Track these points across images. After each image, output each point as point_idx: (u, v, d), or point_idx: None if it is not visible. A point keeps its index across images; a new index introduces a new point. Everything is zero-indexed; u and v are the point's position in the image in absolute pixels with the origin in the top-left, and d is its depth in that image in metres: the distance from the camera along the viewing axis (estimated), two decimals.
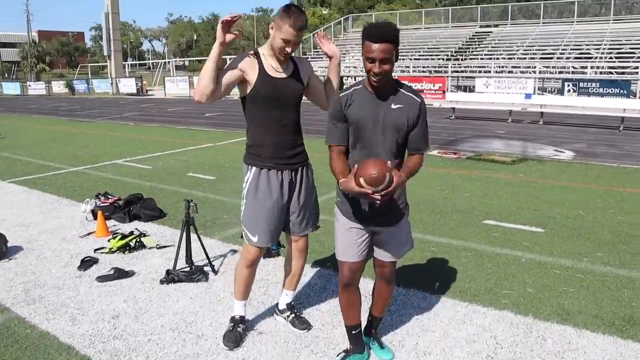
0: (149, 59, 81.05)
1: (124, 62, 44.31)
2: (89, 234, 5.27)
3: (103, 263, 4.46)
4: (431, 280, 4.01)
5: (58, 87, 39.24)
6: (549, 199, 6.42)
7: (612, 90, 17.04)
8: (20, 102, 30.77)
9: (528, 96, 16.27)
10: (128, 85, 33.82)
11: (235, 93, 3.01)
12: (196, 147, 10.77)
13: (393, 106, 2.50)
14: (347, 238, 2.68)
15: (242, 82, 2.88)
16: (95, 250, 4.76)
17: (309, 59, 32.58)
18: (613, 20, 28.01)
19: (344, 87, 2.66)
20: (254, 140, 2.97)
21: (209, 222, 5.55)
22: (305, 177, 3.07)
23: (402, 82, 2.65)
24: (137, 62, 70.98)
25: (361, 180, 2.31)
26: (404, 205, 2.71)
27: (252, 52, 2.91)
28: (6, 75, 66.72)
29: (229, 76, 2.83)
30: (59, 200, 6.69)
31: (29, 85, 41.69)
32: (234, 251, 4.71)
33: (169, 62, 47.10)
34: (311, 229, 3.17)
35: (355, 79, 22.37)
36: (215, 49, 2.75)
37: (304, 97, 3.05)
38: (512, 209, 5.96)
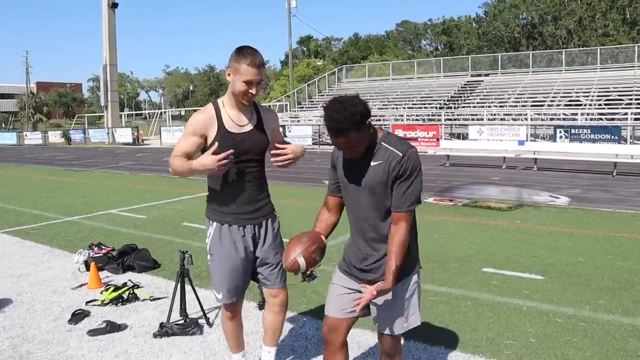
0: (145, 109, 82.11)
1: (120, 112, 44.84)
2: (81, 285, 5.16)
3: (95, 316, 4.35)
4: (431, 330, 3.91)
5: (54, 136, 39.51)
6: (547, 245, 6.38)
7: (603, 136, 17.28)
8: (17, 152, 30.87)
9: (521, 143, 16.49)
10: (124, 135, 34.08)
11: None
12: (192, 196, 10.74)
13: (372, 163, 2.31)
14: (331, 290, 2.57)
15: (203, 144, 2.78)
16: (87, 302, 4.65)
17: (304, 109, 33.28)
18: (600, 68, 28.75)
19: None
20: (213, 194, 2.87)
21: (204, 273, 5.45)
22: (270, 229, 2.94)
23: (391, 133, 2.41)
24: (134, 112, 71.83)
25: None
26: (405, 268, 2.36)
27: (210, 105, 2.80)
28: (3, 126, 67.31)
29: (191, 146, 2.74)
30: (52, 251, 6.60)
31: (26, 135, 41.98)
32: None
33: (165, 112, 47.70)
34: (285, 281, 3.01)
35: None
36: (194, 168, 2.67)
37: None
38: (511, 256, 5.91)
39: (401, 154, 2.28)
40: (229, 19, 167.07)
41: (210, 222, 2.88)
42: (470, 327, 3.95)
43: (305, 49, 78.46)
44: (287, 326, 4.00)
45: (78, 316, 4.27)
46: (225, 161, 2.59)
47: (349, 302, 2.44)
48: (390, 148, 2.31)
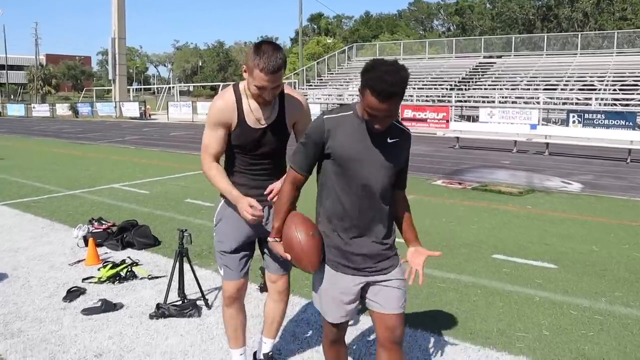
0: (154, 84, 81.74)
1: (128, 87, 44.59)
2: (79, 261, 5.03)
3: (90, 294, 4.21)
4: (440, 319, 3.74)
5: (62, 109, 39.40)
6: (560, 232, 6.17)
7: (617, 122, 16.91)
8: (24, 124, 30.80)
9: (533, 126, 16.16)
10: (131, 109, 33.90)
11: None
12: (196, 173, 10.57)
13: (389, 140, 2.16)
14: (330, 294, 2.26)
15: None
16: (84, 279, 4.51)
17: (313, 87, 32.87)
18: (616, 52, 28.12)
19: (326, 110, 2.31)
20: (228, 174, 2.71)
21: (205, 252, 5.30)
22: None
23: None
24: (142, 87, 71.53)
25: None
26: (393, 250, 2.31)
27: (231, 90, 2.59)
28: (12, 97, 67.17)
29: (219, 141, 2.60)
30: (52, 225, 6.46)
31: (34, 107, 41.86)
32: None
33: (173, 87, 47.39)
34: (289, 269, 2.82)
35: None
36: (232, 199, 2.58)
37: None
38: (522, 243, 5.71)
39: (409, 133, 2.28)
40: None
41: (220, 198, 2.74)
42: (480, 317, 3.77)
43: (315, 26, 77.60)
44: (288, 310, 3.84)
45: (73, 294, 4.13)
46: (254, 218, 2.51)
47: (349, 308, 2.28)
48: (400, 126, 2.25)
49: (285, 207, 2.29)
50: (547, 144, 14.60)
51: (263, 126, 2.58)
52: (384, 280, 2.24)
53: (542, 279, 4.59)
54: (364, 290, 2.27)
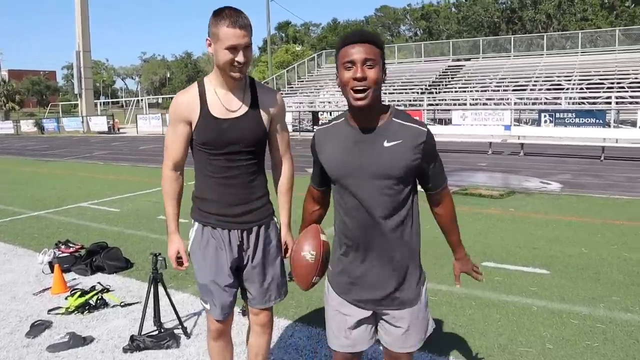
0: (122, 97, 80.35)
1: (96, 101, 43.60)
2: (45, 290, 4.65)
3: (57, 327, 3.86)
4: (437, 336, 3.51)
5: (27, 126, 38.23)
6: (546, 235, 6.04)
7: (588, 120, 17.09)
8: None
9: (507, 127, 16.21)
10: (99, 124, 33.08)
11: None
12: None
13: (386, 144, 1.83)
14: (336, 320, 2.03)
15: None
16: (50, 310, 4.15)
17: (283, 95, 32.58)
18: (581, 52, 28.68)
19: (320, 122, 2.12)
20: (198, 190, 2.41)
21: (181, 273, 4.97)
22: (263, 238, 2.42)
23: (397, 108, 1.94)
24: (110, 100, 70.21)
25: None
26: (420, 272, 2.04)
27: (194, 84, 2.33)
28: None
29: (181, 141, 2.32)
30: (14, 250, 6.05)
31: None
32: None
33: (142, 100, 46.57)
34: (274, 301, 2.51)
35: (331, 115, 22.16)
36: (168, 231, 2.46)
37: None
38: (511, 248, 5.55)
39: (426, 129, 1.89)
40: (207, 4, 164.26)
41: (193, 222, 2.43)
42: (478, 332, 3.56)
43: (283, 34, 77.52)
44: (274, 335, 3.57)
45: (37, 328, 3.78)
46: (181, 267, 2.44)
47: (363, 336, 2.02)
48: (409, 124, 1.88)
49: (307, 220, 2.22)
50: (522, 144, 14.64)
51: (233, 116, 2.26)
52: (394, 318, 1.98)
53: (536, 286, 4.42)
54: (375, 319, 2.03)
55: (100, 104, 48.75)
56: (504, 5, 55.83)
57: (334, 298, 2.03)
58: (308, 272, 2.05)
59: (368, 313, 1.98)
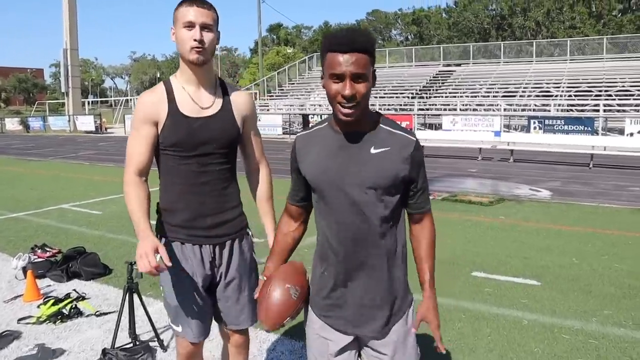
0: (111, 97, 79.64)
1: (84, 100, 43.10)
2: (16, 297, 4.45)
3: (26, 338, 3.67)
4: (424, 351, 3.37)
5: (12, 124, 37.61)
6: (537, 244, 5.93)
7: (576, 127, 17.12)
8: None
9: (497, 134, 16.18)
10: (86, 123, 32.63)
11: None
12: (154, 189, 9.98)
13: (373, 150, 1.68)
14: (318, 347, 1.85)
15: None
16: (19, 320, 3.95)
17: (274, 97, 32.47)
18: (569, 60, 28.84)
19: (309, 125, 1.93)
20: (163, 202, 2.18)
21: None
22: (237, 253, 2.23)
23: (387, 117, 1.79)
24: (99, 100, 69.56)
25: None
26: (407, 297, 1.87)
27: (161, 83, 2.15)
28: None
29: (145, 145, 2.09)
30: None
31: None
32: None
33: (130, 99, 46.15)
34: (250, 321, 2.30)
35: (321, 118, 22.05)
36: (137, 234, 1.99)
37: None
38: (501, 257, 5.44)
39: (414, 139, 1.73)
40: None
41: (160, 237, 2.16)
42: (468, 348, 3.43)
43: (275, 37, 77.31)
44: (254, 347, 3.41)
45: (5, 339, 3.58)
46: (154, 271, 1.87)
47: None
48: (398, 132, 1.72)
49: (281, 243, 1.96)
50: (512, 150, 14.61)
51: (205, 115, 2.10)
52: (378, 344, 1.82)
53: (527, 298, 4.30)
54: (358, 343, 1.86)
55: (89, 103, 48.22)
56: (494, 12, 56.18)
57: (314, 321, 1.86)
58: (286, 310, 1.79)
59: (351, 338, 1.82)
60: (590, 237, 6.26)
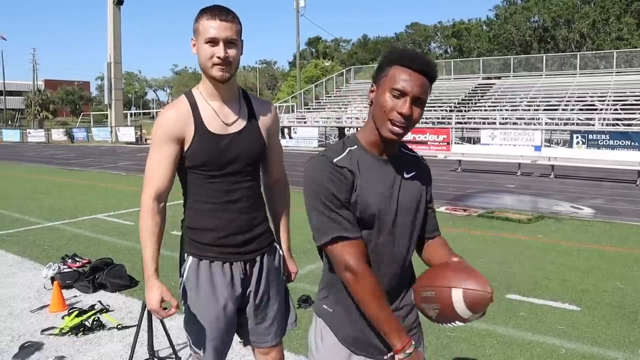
0: (153, 109, 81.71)
1: (126, 111, 44.32)
2: (43, 307, 4.48)
3: (48, 349, 3.66)
4: None
5: (58, 134, 38.99)
6: (578, 266, 5.62)
7: (622, 143, 16.42)
8: (18, 150, 30.33)
9: (537, 148, 15.71)
10: (127, 134, 33.49)
11: None
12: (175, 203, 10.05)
13: (406, 175, 1.64)
14: None
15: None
16: (43, 331, 3.95)
17: (311, 110, 32.55)
18: (616, 72, 27.88)
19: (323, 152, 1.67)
20: (190, 221, 2.09)
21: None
22: (266, 269, 2.16)
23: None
24: (142, 111, 71.48)
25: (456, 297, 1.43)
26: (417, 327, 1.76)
27: (182, 97, 2.04)
28: (10, 123, 66.96)
29: (167, 166, 1.98)
30: (22, 263, 5.92)
31: (29, 133, 41.46)
32: None
33: None
34: (279, 337, 2.24)
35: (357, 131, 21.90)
36: (145, 278, 2.00)
37: None
38: (538, 279, 5.16)
39: (426, 164, 1.76)
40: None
41: (186, 256, 2.10)
42: None
43: (313, 50, 77.89)
44: None
45: (27, 350, 3.58)
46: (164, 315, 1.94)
47: None
48: (415, 154, 1.75)
49: (379, 302, 1.57)
50: (553, 166, 14.11)
51: (232, 131, 2.01)
52: None
53: (565, 324, 4.04)
54: None
55: (131, 115, 49.60)
56: (536, 24, 55.03)
57: (330, 342, 1.66)
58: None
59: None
60: (636, 259, 5.90)
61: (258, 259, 2.14)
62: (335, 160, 1.56)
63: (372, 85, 1.58)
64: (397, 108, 1.50)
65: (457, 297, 1.43)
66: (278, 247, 2.26)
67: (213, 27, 1.87)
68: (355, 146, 1.61)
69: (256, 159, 2.10)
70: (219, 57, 1.89)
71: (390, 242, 1.61)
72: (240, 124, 2.04)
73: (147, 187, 2.01)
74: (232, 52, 1.92)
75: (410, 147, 1.75)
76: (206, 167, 1.99)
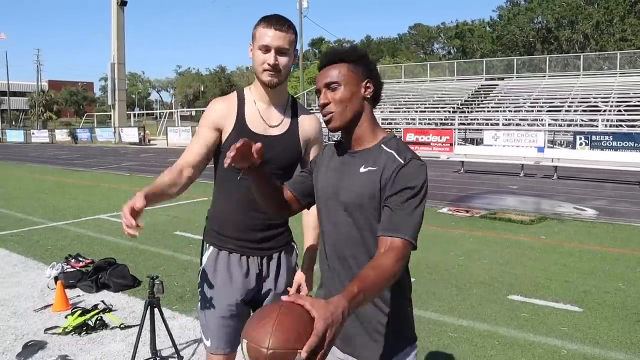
0: (156, 109, 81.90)
1: (130, 112, 44.44)
2: (46, 307, 4.49)
3: (51, 348, 3.67)
4: None
5: (61, 135, 39.13)
6: (580, 267, 5.62)
7: (626, 144, 16.40)
8: (22, 150, 30.46)
9: (540, 149, 15.69)
10: (130, 135, 33.59)
11: None
12: (190, 202, 10.06)
13: (362, 169, 1.58)
14: None
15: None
16: (46, 330, 3.97)
17: (313, 111, 32.41)
18: (619, 73, 27.82)
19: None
20: (216, 210, 2.20)
21: (188, 294, 4.76)
22: (284, 265, 2.23)
23: (397, 138, 1.66)
24: (145, 112, 71.60)
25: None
26: (401, 336, 1.62)
27: (234, 92, 2.18)
28: (13, 123, 67.20)
29: (202, 145, 2.09)
30: (25, 262, 5.94)
31: (33, 133, 41.63)
32: None
33: (174, 112, 47.23)
34: None
35: None
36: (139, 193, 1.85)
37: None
38: (540, 280, 5.16)
39: (402, 161, 1.54)
40: (240, 18, 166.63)
41: (207, 245, 2.20)
42: None
43: (317, 51, 77.89)
44: None
45: (30, 349, 3.60)
46: (131, 231, 1.72)
47: None
48: (390, 151, 1.58)
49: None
50: (556, 167, 14.10)
51: (271, 133, 2.10)
52: None
53: (567, 325, 4.04)
54: None
55: (135, 115, 49.70)
56: (540, 25, 54.94)
57: None
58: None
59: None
60: (639, 260, 5.89)
61: (275, 256, 2.21)
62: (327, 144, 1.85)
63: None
64: (320, 105, 1.62)
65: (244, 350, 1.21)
66: (295, 246, 2.31)
67: (268, 35, 1.97)
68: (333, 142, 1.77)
69: (288, 165, 2.16)
70: (269, 64, 1.99)
71: (333, 232, 1.65)
72: (282, 129, 2.12)
73: (179, 158, 2.11)
74: (282, 60, 2.01)
75: (405, 147, 1.62)
76: None
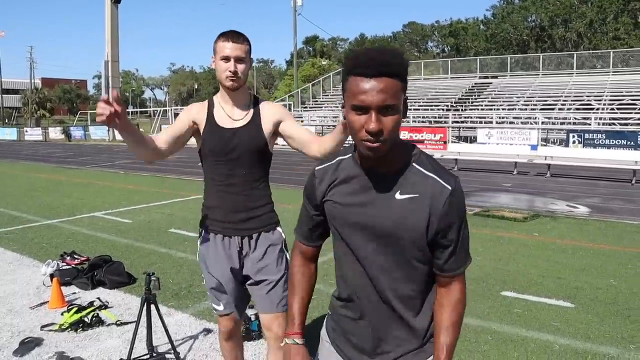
0: (150, 107, 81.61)
1: None
2: (42, 304, 4.51)
3: (48, 345, 3.69)
4: None
5: (55, 133, 38.95)
6: (572, 264, 5.68)
7: (618, 142, 16.50)
8: (15, 148, 30.30)
9: (534, 147, 15.77)
10: None
11: None
12: (184, 199, 10.08)
13: (398, 196, 1.41)
14: None
15: (195, 133, 2.53)
16: (43, 327, 3.98)
17: (308, 109, 32.56)
18: (612, 72, 27.98)
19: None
20: (205, 198, 2.60)
21: (183, 291, 4.78)
22: (264, 242, 2.53)
23: (423, 152, 1.48)
24: (139, 110, 71.33)
25: None
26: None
27: (206, 100, 2.59)
28: (6, 121, 66.77)
29: (177, 129, 2.50)
30: (20, 260, 5.95)
31: (26, 131, 41.40)
32: (208, 331, 3.93)
33: (168, 110, 47.08)
34: (283, 306, 2.47)
35: None
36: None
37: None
38: (533, 276, 5.22)
39: (450, 187, 1.40)
40: (234, 17, 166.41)
41: (201, 230, 2.65)
42: None
43: (311, 48, 77.83)
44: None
45: (26, 346, 3.61)
46: (107, 110, 1.85)
47: None
48: (431, 175, 1.41)
49: (298, 287, 1.68)
50: (549, 165, 14.19)
51: (236, 126, 2.46)
52: None
53: (559, 321, 4.09)
54: None
55: (129, 113, 49.40)
56: (534, 23, 55.14)
57: (327, 351, 1.65)
58: None
59: None
60: (631, 257, 5.96)
61: (255, 235, 2.52)
62: (316, 168, 1.58)
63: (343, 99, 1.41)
64: (362, 126, 1.33)
65: None
66: (280, 229, 2.59)
67: (227, 47, 2.35)
68: (349, 156, 1.52)
69: (255, 150, 2.46)
70: (230, 71, 2.36)
71: (362, 262, 1.48)
72: (245, 121, 2.48)
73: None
74: (241, 67, 2.38)
75: (439, 166, 1.46)
76: (212, 152, 2.46)
